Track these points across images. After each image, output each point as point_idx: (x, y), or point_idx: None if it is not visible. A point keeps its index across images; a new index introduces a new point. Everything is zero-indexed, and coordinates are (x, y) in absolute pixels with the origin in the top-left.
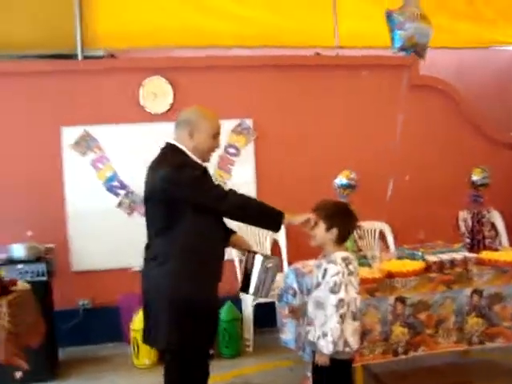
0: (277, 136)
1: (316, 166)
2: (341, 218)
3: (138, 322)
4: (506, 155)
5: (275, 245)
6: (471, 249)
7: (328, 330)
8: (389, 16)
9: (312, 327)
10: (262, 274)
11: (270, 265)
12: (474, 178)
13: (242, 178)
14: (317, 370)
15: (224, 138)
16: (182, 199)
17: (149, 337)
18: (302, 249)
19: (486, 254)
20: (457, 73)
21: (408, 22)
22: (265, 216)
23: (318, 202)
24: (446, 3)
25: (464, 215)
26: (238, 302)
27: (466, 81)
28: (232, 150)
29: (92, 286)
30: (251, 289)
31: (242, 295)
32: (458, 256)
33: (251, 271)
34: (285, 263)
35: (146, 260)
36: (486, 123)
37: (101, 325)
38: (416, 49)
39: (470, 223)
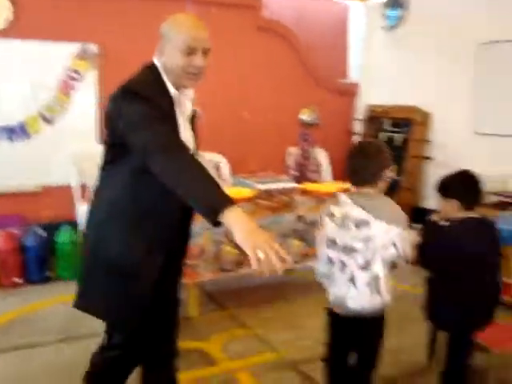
0: (125, 64)
1: None
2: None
3: None
4: (334, 100)
5: None
6: (297, 181)
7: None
8: None
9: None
10: None
11: None
12: (303, 117)
13: (82, 106)
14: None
15: (67, 63)
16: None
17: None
18: None
19: (308, 186)
20: (297, 19)
21: None
22: (206, 194)
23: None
24: None
25: (292, 151)
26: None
27: (305, 28)
28: (74, 75)
29: None
30: None
31: None
32: (285, 186)
33: None
34: None
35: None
36: (319, 69)
37: None
38: None
39: (298, 159)
